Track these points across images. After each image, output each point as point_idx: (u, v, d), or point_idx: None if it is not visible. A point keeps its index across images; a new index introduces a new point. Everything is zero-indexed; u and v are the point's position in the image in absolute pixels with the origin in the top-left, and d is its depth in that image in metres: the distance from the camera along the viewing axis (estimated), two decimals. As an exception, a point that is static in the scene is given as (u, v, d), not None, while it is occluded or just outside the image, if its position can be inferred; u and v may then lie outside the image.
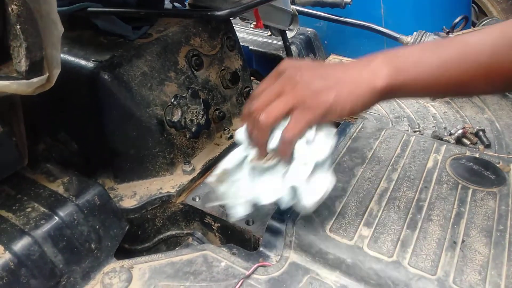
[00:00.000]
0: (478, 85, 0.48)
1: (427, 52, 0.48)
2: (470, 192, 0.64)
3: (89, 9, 0.70)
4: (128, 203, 0.69)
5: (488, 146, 0.84)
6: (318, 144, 0.48)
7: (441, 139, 0.86)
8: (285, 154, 0.48)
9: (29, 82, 0.45)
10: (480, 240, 0.56)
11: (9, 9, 0.41)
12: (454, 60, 0.47)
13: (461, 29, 1.04)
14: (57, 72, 0.48)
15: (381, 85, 0.46)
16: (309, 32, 1.24)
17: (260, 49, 1.19)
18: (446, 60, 0.47)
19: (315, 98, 0.46)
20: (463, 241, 0.56)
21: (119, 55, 0.71)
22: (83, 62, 0.69)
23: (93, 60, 0.69)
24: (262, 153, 0.49)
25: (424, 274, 0.52)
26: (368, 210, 0.61)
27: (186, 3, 0.90)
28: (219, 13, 0.68)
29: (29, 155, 0.57)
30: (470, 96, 0.50)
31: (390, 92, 0.47)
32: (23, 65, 0.45)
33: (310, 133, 0.48)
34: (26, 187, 0.60)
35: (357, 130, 0.79)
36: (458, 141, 0.86)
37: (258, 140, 0.48)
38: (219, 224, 0.68)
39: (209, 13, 0.69)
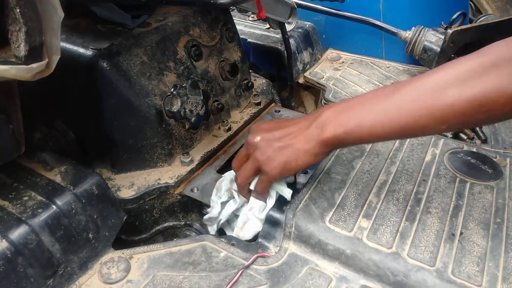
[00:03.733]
0: (428, 126, 0.48)
1: (368, 102, 0.52)
2: (468, 185, 0.65)
3: (87, -4, 0.68)
4: (126, 193, 0.68)
5: (484, 141, 0.84)
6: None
7: (438, 133, 0.86)
8: (261, 196, 0.63)
9: (28, 68, 0.44)
10: (478, 232, 0.56)
11: (9, -8, 0.40)
12: (396, 106, 0.49)
13: (459, 25, 1.04)
14: (56, 58, 0.47)
15: (327, 137, 0.53)
16: (307, 26, 1.23)
17: (258, 42, 1.18)
18: (386, 108, 0.50)
19: (269, 163, 0.57)
20: (461, 233, 0.56)
21: (118, 43, 0.70)
22: (81, 50, 0.68)
23: (91, 48, 0.68)
24: (245, 196, 0.64)
25: (423, 265, 0.52)
26: (367, 202, 0.61)
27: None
28: (222, 1, 0.67)
29: (25, 144, 0.56)
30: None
31: (338, 143, 0.54)
32: (22, 50, 0.43)
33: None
34: (22, 175, 0.59)
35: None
36: (456, 135, 0.86)
37: (240, 190, 0.64)
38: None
39: (212, 1, 0.68)
